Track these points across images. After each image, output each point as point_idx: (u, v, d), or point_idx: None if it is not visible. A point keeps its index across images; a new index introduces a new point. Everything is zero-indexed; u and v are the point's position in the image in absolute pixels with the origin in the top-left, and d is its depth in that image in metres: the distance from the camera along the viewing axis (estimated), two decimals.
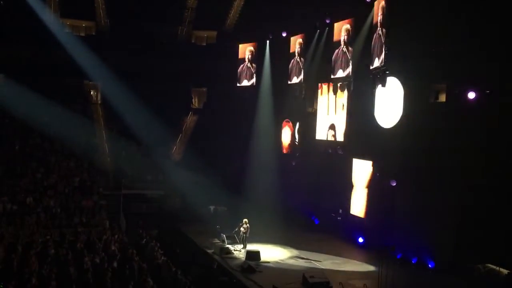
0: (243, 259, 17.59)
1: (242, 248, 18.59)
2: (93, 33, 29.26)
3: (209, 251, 18.67)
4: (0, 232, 17.36)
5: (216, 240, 19.02)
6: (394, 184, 18.42)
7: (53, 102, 24.11)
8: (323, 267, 17.11)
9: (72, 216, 19.99)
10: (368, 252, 18.79)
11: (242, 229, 18.77)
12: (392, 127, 18.58)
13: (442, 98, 17.26)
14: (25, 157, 23.42)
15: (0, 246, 15.05)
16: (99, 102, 28.72)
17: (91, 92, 29.23)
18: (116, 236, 17.82)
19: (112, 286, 12.53)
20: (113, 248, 16.07)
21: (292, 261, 17.94)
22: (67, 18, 28.47)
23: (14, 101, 23.72)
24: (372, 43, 18.98)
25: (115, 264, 14.38)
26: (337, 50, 21.65)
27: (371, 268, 17.20)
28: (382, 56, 17.89)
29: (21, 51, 26.17)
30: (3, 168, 22.26)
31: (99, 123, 27.63)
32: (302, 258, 18.22)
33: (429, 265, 17.06)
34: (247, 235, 18.83)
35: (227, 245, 18.61)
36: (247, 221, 18.85)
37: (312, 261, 17.85)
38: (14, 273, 12.69)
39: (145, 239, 17.83)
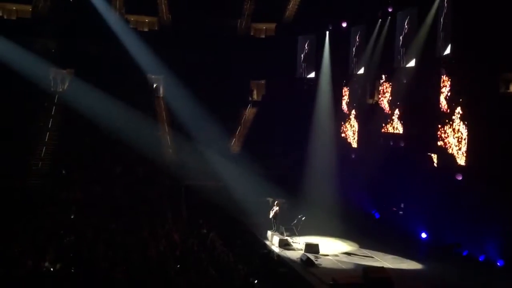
0: (302, 251, 17.57)
1: (274, 231, 18.89)
2: (156, 28, 30.25)
3: (268, 242, 18.81)
4: (71, 220, 18.39)
5: (275, 232, 19.11)
6: (460, 178, 17.66)
7: (118, 96, 25.11)
8: (383, 262, 16.74)
9: (136, 205, 20.78)
10: (432, 248, 18.16)
11: (272, 212, 19.00)
12: (455, 118, 17.78)
13: None
14: (94, 150, 24.64)
15: (72, 233, 15.89)
16: (162, 95, 29.57)
17: (154, 86, 30.16)
18: (178, 226, 18.34)
19: (174, 273, 12.91)
20: (175, 237, 16.55)
21: (351, 255, 17.67)
22: (131, 14, 29.63)
23: (82, 96, 25.00)
24: (438, 30, 18.20)
25: (177, 253, 14.80)
26: (399, 40, 20.98)
27: (435, 265, 16.61)
28: (448, 43, 17.10)
29: (89, 47, 27.48)
30: (74, 161, 23.62)
31: (161, 116, 28.47)
32: (362, 253, 17.92)
33: (498, 264, 16.23)
34: (277, 218, 19.01)
35: (286, 237, 18.66)
36: (279, 203, 19.10)
37: (372, 256, 17.53)
38: (83, 259, 13.37)
39: (205, 229, 18.20)
